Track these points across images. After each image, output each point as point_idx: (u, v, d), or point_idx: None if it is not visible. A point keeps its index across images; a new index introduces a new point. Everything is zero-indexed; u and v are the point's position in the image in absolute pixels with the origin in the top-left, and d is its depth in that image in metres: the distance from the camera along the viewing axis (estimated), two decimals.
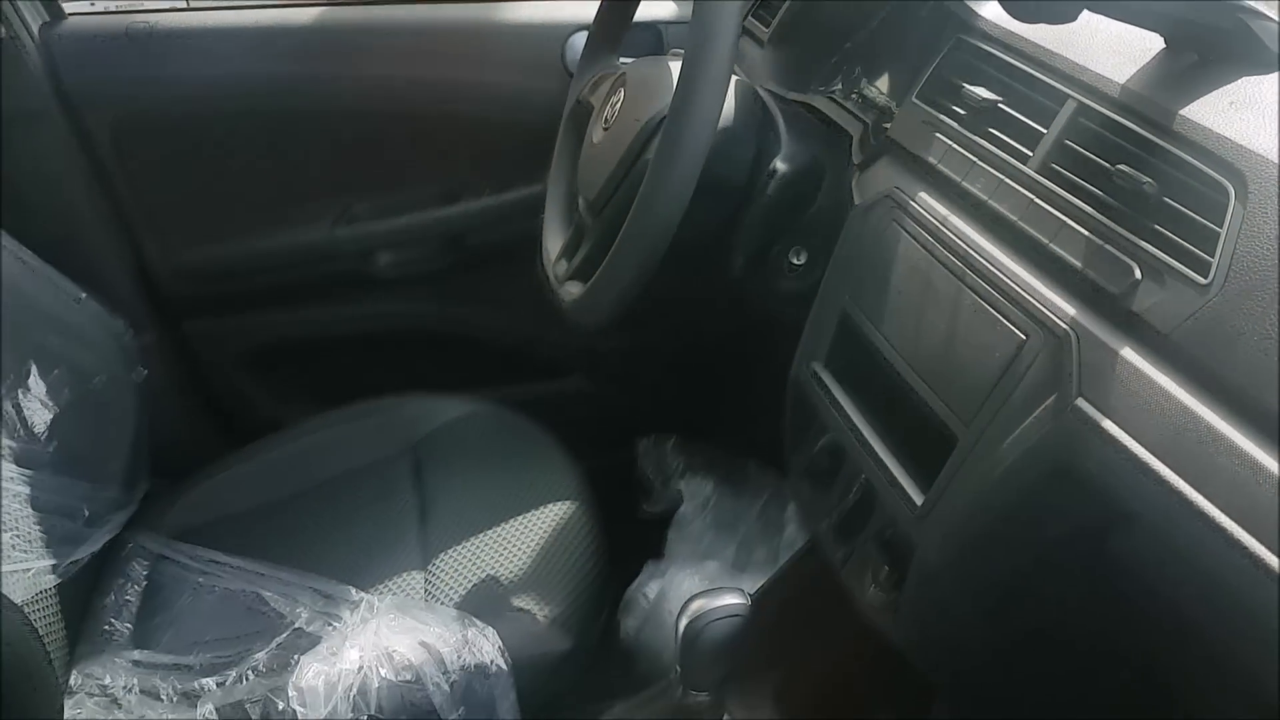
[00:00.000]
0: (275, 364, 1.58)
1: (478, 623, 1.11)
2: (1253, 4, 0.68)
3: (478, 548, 1.24)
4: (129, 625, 1.24)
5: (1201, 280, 0.63)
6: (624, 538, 1.35)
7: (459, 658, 1.08)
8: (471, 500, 1.30)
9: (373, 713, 1.02)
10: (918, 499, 0.78)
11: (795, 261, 1.10)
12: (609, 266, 0.98)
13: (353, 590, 1.19)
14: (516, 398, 1.48)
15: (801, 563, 1.11)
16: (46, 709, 0.98)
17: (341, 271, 1.47)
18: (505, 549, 1.23)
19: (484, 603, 1.16)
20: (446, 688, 1.06)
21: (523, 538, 1.24)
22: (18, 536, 1.12)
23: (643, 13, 1.24)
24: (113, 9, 1.41)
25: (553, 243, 1.19)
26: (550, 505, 1.27)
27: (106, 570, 1.30)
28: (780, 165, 1.05)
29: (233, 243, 1.47)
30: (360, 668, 1.06)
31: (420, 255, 1.50)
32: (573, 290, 1.08)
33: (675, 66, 0.99)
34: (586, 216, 1.11)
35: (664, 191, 0.94)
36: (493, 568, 1.21)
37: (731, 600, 0.95)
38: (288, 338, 1.55)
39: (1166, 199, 0.67)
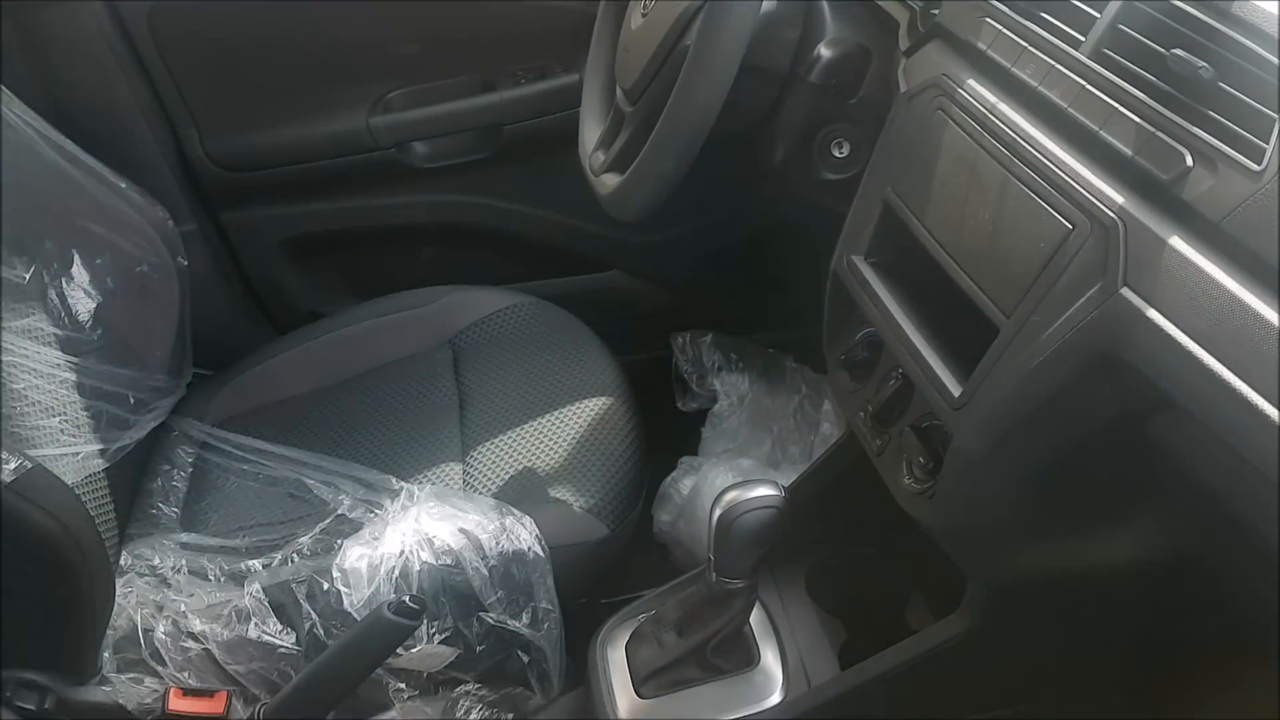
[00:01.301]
0: (313, 255, 1.59)
1: (515, 511, 1.13)
2: None
3: (516, 439, 1.25)
4: (176, 509, 1.28)
5: (1255, 167, 0.61)
6: (659, 433, 1.36)
7: (497, 544, 1.10)
8: (509, 392, 1.31)
9: (414, 594, 1.05)
10: (955, 390, 0.77)
11: (837, 154, 1.08)
12: (646, 157, 0.97)
13: (393, 479, 1.21)
14: (553, 292, 1.48)
15: (836, 455, 1.12)
16: (101, 585, 1.02)
17: (378, 162, 1.46)
18: (543, 440, 1.24)
19: (521, 492, 1.18)
20: (485, 572, 1.08)
21: (560, 429, 1.25)
22: (65, 421, 1.15)
23: None
24: None
25: (590, 133, 1.18)
26: (588, 398, 1.28)
27: (153, 456, 1.33)
28: (824, 51, 1.02)
29: (270, 132, 1.46)
30: (402, 552, 1.08)
31: (457, 146, 1.49)
32: (610, 182, 1.07)
33: None
34: (624, 105, 1.09)
35: (703, 78, 0.92)
36: (530, 459, 1.22)
37: (765, 491, 0.96)
38: (325, 229, 1.55)
39: (1222, 84, 0.65)
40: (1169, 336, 0.62)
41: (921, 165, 0.86)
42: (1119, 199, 0.68)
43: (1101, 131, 0.72)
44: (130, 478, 1.27)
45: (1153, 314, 0.63)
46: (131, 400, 1.26)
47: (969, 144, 0.81)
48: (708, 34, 0.88)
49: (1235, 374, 0.58)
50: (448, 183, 1.51)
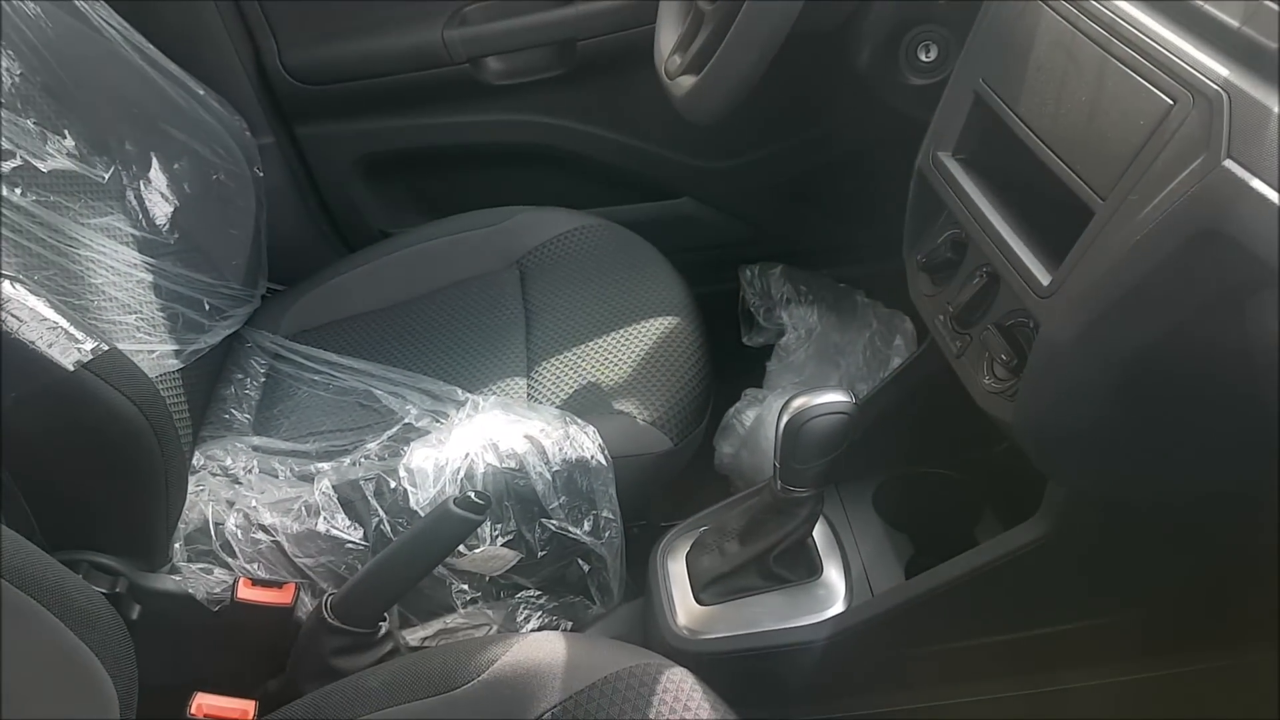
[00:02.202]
0: (386, 174, 1.60)
1: (579, 420, 1.13)
2: None
3: (581, 355, 1.25)
4: (248, 415, 1.30)
5: None
6: (725, 367, 1.34)
7: (560, 451, 1.10)
8: (577, 311, 1.31)
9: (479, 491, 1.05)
10: (1045, 279, 0.75)
11: (924, 58, 1.05)
12: (727, 49, 0.96)
13: (459, 391, 1.22)
14: (623, 218, 1.46)
15: (909, 370, 1.09)
16: (175, 474, 1.03)
17: (452, 77, 1.46)
18: (608, 357, 1.24)
19: (585, 404, 1.18)
20: (549, 476, 1.08)
21: (626, 347, 1.24)
22: (142, 320, 1.17)
23: None
24: None
25: (667, 37, 1.16)
26: (655, 318, 1.27)
27: (227, 364, 1.35)
28: None
29: (346, 45, 1.46)
30: (467, 454, 1.09)
31: (531, 62, 1.47)
32: (686, 83, 1.06)
33: None
34: (704, 3, 1.07)
35: None
36: (595, 374, 1.22)
37: (836, 397, 0.94)
38: (398, 147, 1.55)
39: None
40: (1273, 205, 0.59)
41: (1015, 54, 0.84)
42: (1223, 71, 0.66)
43: (1206, 4, 0.69)
44: (205, 383, 1.29)
45: (1258, 184, 0.60)
46: (207, 306, 1.28)
47: (1065, 28, 0.78)
48: None
49: None
50: (520, 101, 1.50)
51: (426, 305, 1.39)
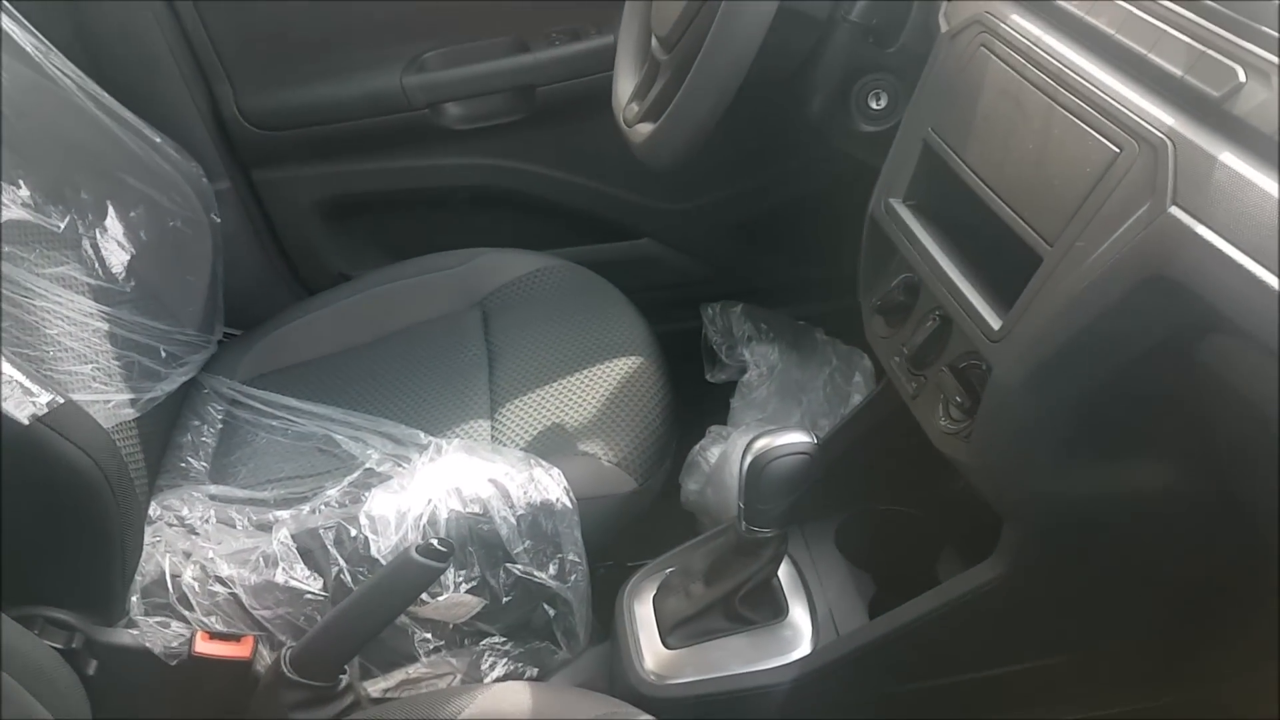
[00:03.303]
0: (345, 217, 1.59)
1: (544, 463, 1.12)
2: None
3: (545, 396, 1.25)
4: (205, 463, 1.28)
5: None
6: (688, 404, 1.35)
7: (525, 494, 1.09)
8: (540, 351, 1.31)
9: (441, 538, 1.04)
10: (996, 322, 0.76)
11: (875, 105, 1.06)
12: (682, 99, 0.97)
13: (421, 434, 1.21)
14: (584, 259, 1.47)
15: (868, 409, 1.10)
16: (132, 527, 1.02)
17: (411, 123, 1.46)
18: (572, 397, 1.24)
19: (550, 446, 1.18)
20: (514, 520, 1.08)
21: (590, 387, 1.25)
22: (98, 369, 1.15)
23: None
24: None
25: (624, 85, 1.17)
26: (618, 357, 1.28)
27: (184, 411, 1.34)
28: None
29: (304, 91, 1.47)
30: (429, 500, 1.08)
31: (489, 108, 1.48)
32: (644, 130, 1.07)
33: None
34: (660, 53, 1.08)
35: (740, 21, 0.91)
36: (559, 414, 1.22)
37: (797, 438, 0.95)
38: (357, 191, 1.55)
39: None
40: (1220, 252, 0.60)
41: (963, 103, 0.85)
42: (1168, 119, 0.67)
43: (1150, 54, 0.70)
44: (161, 431, 1.27)
45: (1203, 230, 0.62)
46: (163, 353, 1.26)
47: (1012, 77, 0.80)
48: None
49: None
50: (480, 146, 1.51)
51: (388, 348, 1.38)
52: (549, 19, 1.45)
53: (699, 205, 1.56)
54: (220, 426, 1.33)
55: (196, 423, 1.32)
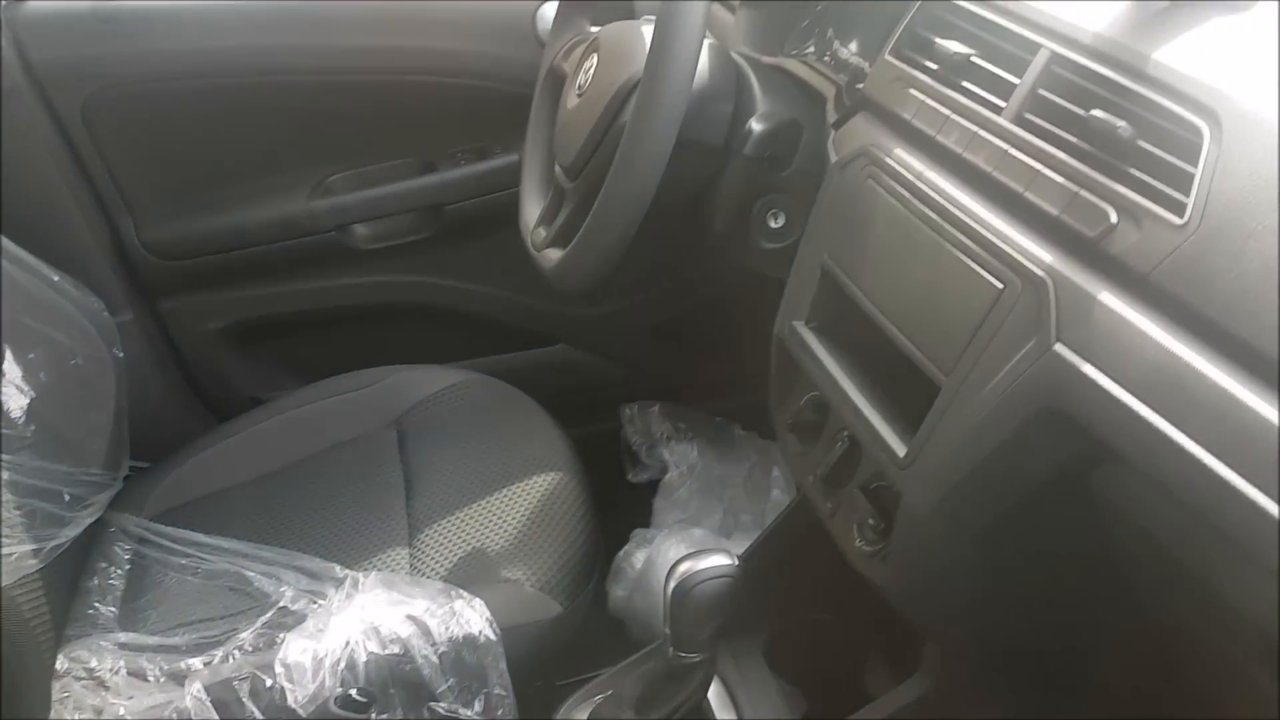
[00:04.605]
0: (255, 341, 1.57)
1: (465, 594, 1.11)
2: None
3: (464, 519, 1.23)
4: (114, 608, 1.23)
5: (1178, 220, 0.63)
6: (611, 506, 1.35)
7: (447, 629, 1.07)
8: (458, 472, 1.30)
9: (361, 685, 1.02)
10: (900, 450, 0.78)
11: (773, 224, 1.09)
12: (589, 229, 0.98)
13: (337, 567, 1.18)
14: (500, 368, 1.47)
15: (788, 520, 1.12)
16: (37, 692, 0.98)
17: (319, 245, 1.46)
18: (492, 519, 1.23)
19: (471, 574, 1.16)
20: (435, 659, 1.06)
21: (510, 507, 1.24)
22: None
23: None
24: None
25: (531, 209, 1.19)
26: (537, 474, 1.27)
27: (90, 554, 1.29)
28: (756, 125, 1.04)
29: (207, 219, 1.45)
30: (347, 642, 1.06)
31: (398, 227, 1.49)
32: (553, 256, 1.08)
33: (648, 31, 0.99)
34: (564, 181, 1.10)
35: (642, 152, 0.93)
36: (479, 539, 1.20)
37: (719, 561, 0.95)
38: (266, 314, 1.54)
39: (1141, 142, 0.67)
40: (1103, 389, 0.63)
41: (856, 232, 0.88)
42: (1047, 257, 0.70)
43: (1026, 193, 0.73)
44: (67, 577, 1.23)
45: (1087, 368, 0.64)
46: (67, 497, 1.22)
47: (900, 210, 0.83)
48: (643, 111, 0.90)
49: (1170, 422, 0.59)
50: (390, 263, 1.51)
51: (301, 474, 1.36)
52: (453, 140, 1.46)
53: (611, 311, 1.58)
54: (128, 568, 1.28)
55: (104, 564, 1.28)
